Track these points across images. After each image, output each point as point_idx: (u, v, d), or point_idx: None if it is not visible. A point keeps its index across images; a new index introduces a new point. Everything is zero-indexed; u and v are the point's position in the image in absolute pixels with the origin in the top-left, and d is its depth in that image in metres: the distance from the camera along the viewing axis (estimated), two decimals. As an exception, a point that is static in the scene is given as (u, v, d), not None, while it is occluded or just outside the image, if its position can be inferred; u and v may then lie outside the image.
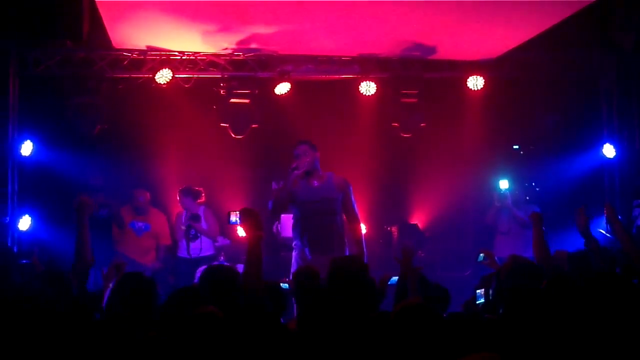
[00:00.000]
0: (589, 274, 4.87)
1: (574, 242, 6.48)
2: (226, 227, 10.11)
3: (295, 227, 7.16)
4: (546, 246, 5.54)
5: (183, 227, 9.73)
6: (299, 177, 7.01)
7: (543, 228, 5.65)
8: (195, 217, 9.72)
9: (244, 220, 4.19)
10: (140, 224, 9.53)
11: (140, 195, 9.57)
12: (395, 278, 5.42)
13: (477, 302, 5.12)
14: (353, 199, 7.15)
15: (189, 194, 9.80)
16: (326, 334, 3.85)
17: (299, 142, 7.16)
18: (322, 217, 6.98)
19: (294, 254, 7.16)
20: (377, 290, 5.07)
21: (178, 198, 9.79)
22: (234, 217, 4.99)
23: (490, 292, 5.00)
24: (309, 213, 6.99)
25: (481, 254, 6.17)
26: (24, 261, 6.36)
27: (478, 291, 5.15)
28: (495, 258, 6.15)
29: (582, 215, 5.65)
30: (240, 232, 10.17)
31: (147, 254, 9.58)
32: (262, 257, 4.11)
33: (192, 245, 9.71)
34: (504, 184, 9.53)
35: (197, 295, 4.39)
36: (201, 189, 10.00)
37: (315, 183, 7.07)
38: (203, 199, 9.97)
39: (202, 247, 9.72)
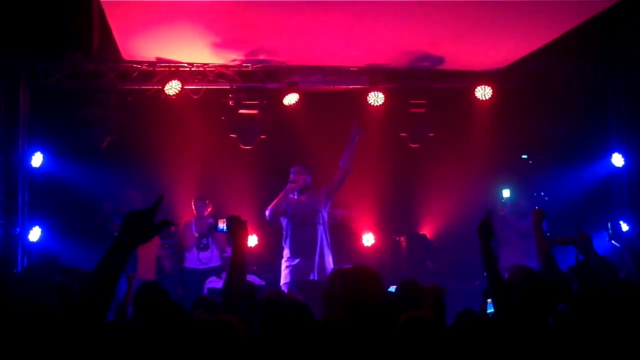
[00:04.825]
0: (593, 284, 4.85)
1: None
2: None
3: (285, 236, 8.31)
4: (548, 250, 5.49)
5: (196, 235, 9.75)
6: (294, 190, 8.25)
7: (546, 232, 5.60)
8: (211, 227, 9.73)
9: (231, 228, 4.21)
10: None
11: None
12: (392, 287, 5.42)
13: (488, 312, 5.11)
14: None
15: (206, 204, 9.88)
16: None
17: (296, 165, 8.47)
18: (307, 227, 8.20)
19: (282, 260, 8.28)
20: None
21: (195, 205, 9.83)
22: (222, 225, 4.94)
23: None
24: (296, 224, 8.20)
25: None
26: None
27: (489, 300, 5.13)
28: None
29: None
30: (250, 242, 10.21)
31: None
32: (245, 266, 4.19)
33: (202, 255, 9.75)
34: (505, 193, 9.54)
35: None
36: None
37: (304, 198, 8.30)
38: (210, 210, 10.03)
39: (212, 256, 9.76)
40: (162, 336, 3.80)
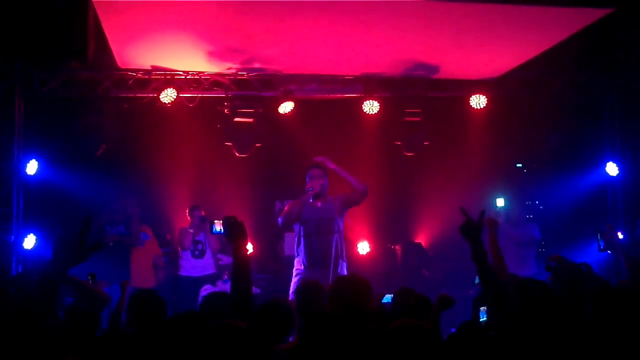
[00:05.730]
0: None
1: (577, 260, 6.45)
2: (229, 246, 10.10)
3: (297, 244, 7.71)
4: (500, 254, 5.46)
5: (191, 231, 9.70)
6: (311, 196, 7.59)
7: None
8: (203, 220, 9.65)
9: (228, 229, 4.08)
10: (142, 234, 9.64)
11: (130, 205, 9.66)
12: (389, 296, 5.42)
13: (481, 320, 5.10)
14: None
15: (201, 213, 9.83)
16: (325, 351, 3.83)
17: (314, 166, 7.77)
18: (321, 235, 7.54)
19: (293, 269, 7.69)
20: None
21: (190, 214, 9.79)
22: (218, 227, 4.82)
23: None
24: (309, 231, 7.56)
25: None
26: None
27: (482, 309, 5.12)
28: None
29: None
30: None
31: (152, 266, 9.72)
32: (249, 267, 4.03)
33: (197, 262, 9.74)
34: (500, 202, 9.56)
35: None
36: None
37: (319, 204, 7.66)
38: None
39: (206, 264, 9.75)
40: (162, 344, 3.77)
